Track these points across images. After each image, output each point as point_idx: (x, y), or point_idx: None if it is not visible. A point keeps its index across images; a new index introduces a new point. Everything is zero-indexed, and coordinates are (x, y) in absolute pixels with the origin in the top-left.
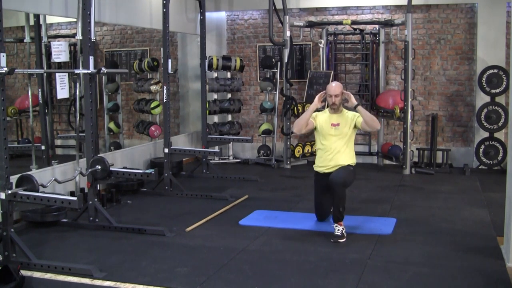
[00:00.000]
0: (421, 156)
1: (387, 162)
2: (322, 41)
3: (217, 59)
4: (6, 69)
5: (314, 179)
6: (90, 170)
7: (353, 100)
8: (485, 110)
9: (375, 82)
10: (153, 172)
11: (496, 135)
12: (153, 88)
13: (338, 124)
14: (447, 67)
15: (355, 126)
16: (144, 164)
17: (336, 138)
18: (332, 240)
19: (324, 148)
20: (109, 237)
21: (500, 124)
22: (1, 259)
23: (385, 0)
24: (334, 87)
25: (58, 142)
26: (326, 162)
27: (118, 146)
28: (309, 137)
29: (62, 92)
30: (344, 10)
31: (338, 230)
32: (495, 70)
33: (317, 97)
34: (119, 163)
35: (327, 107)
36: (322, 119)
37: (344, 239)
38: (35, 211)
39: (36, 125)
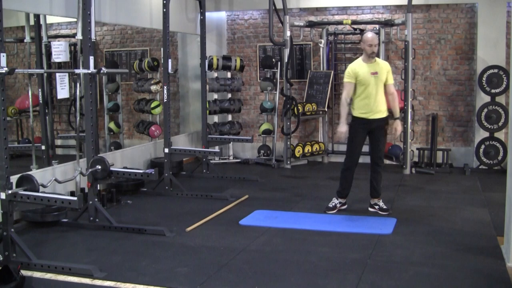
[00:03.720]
0: (421, 156)
1: (387, 162)
2: (322, 41)
3: (217, 59)
4: (6, 69)
5: (354, 126)
6: (90, 170)
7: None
8: (485, 110)
9: None
10: (153, 172)
11: (496, 135)
12: (153, 88)
13: (376, 73)
14: (447, 67)
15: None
16: (144, 164)
17: (375, 86)
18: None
19: (366, 96)
20: (109, 237)
21: (500, 124)
22: (1, 259)
23: (385, 0)
24: (372, 37)
25: (58, 142)
26: (369, 108)
27: (118, 146)
28: (309, 137)
29: (62, 92)
30: (344, 10)
31: (383, 204)
32: (495, 70)
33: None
34: (119, 163)
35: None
36: (360, 71)
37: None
38: (35, 211)
39: (36, 125)
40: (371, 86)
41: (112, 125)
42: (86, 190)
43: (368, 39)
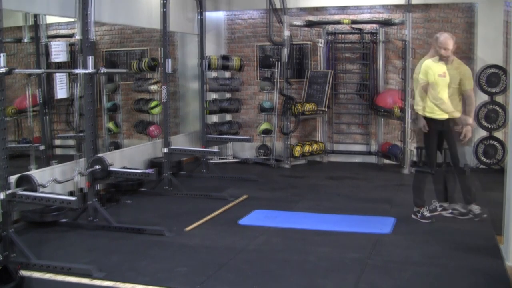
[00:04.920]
0: (420, 155)
1: (386, 161)
2: (322, 40)
3: (216, 59)
4: (5, 69)
5: (428, 127)
6: (89, 170)
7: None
8: (484, 109)
9: (374, 81)
10: (152, 172)
11: (496, 134)
12: (152, 88)
13: (444, 75)
14: None
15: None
16: (144, 164)
17: (441, 88)
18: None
19: (434, 96)
20: (109, 237)
21: (499, 123)
22: (1, 259)
23: None
24: (445, 40)
25: (57, 142)
26: (436, 108)
27: (117, 146)
28: (308, 136)
29: (61, 92)
30: (343, 9)
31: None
32: (494, 70)
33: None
34: (118, 163)
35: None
36: (434, 69)
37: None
38: (34, 211)
39: (35, 125)
40: (437, 88)
41: (111, 125)
42: (85, 190)
43: (442, 41)
